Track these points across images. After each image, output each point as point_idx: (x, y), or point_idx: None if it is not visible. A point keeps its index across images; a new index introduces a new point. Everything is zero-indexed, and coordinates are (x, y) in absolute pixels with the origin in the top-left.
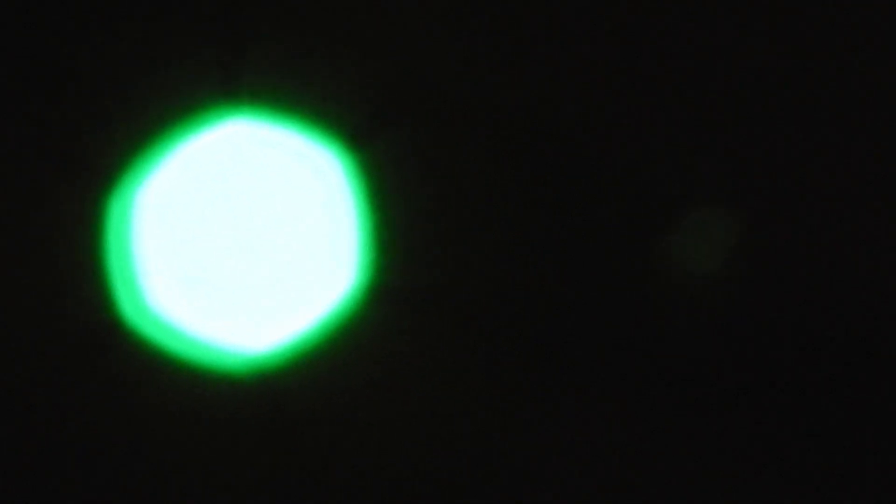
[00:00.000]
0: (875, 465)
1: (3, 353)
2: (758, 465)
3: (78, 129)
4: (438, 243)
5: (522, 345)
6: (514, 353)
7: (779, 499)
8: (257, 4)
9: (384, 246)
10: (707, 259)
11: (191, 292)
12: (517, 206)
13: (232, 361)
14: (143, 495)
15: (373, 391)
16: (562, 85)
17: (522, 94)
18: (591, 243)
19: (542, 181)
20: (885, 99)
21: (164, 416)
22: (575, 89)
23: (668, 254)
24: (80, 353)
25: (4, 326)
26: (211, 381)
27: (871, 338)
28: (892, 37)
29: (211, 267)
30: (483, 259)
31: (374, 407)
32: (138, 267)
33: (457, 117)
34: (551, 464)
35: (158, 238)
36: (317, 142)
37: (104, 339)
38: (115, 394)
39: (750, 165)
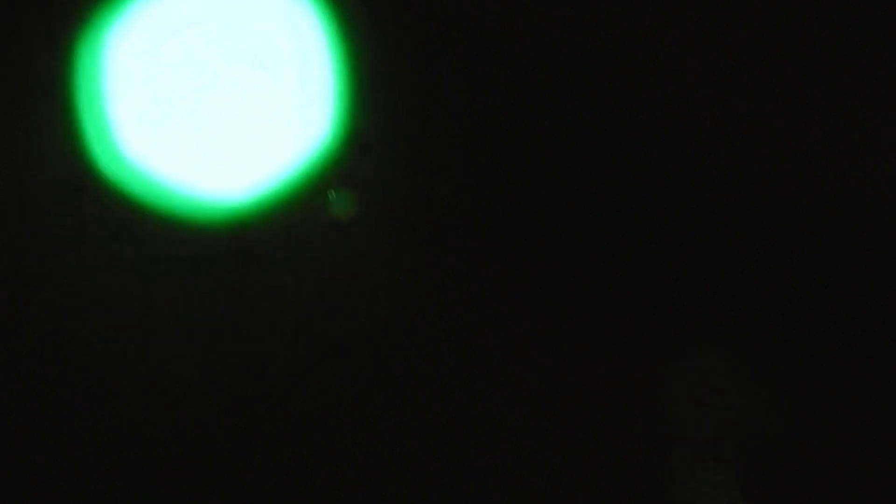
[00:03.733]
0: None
1: None
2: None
3: None
4: (414, 92)
5: (493, 199)
6: (481, 204)
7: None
8: None
9: (359, 94)
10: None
11: (164, 140)
12: (496, 55)
13: (205, 209)
14: (113, 341)
15: (343, 239)
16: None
17: None
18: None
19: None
20: None
21: (137, 264)
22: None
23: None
24: (55, 203)
25: None
26: (183, 228)
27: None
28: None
29: (184, 114)
30: (459, 110)
31: (343, 255)
32: (111, 115)
33: None
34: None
35: (131, 86)
36: None
37: (77, 188)
38: (90, 242)
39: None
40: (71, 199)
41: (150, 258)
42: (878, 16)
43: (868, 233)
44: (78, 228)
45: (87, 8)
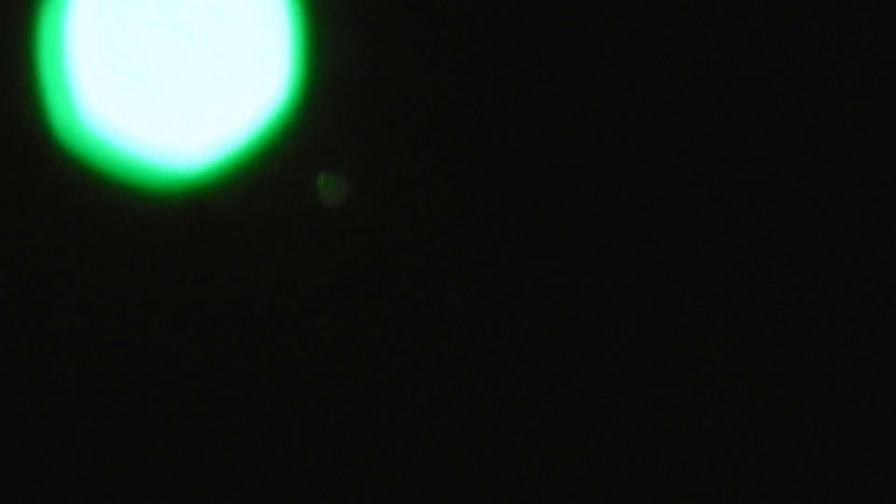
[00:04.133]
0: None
1: None
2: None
3: None
4: (370, 42)
5: (451, 141)
6: (443, 140)
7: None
8: None
9: (315, 52)
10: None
11: (122, 103)
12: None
13: (164, 174)
14: (72, 306)
15: (303, 198)
16: None
17: None
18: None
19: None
20: None
21: (95, 229)
22: None
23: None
24: (12, 166)
25: None
26: (142, 193)
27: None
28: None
29: (143, 76)
30: (415, 57)
31: (302, 214)
32: (69, 77)
33: None
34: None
35: (89, 47)
36: None
37: (36, 154)
38: (47, 207)
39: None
40: (30, 166)
41: (113, 224)
42: (879, 16)
43: (868, 233)
44: (38, 195)
45: None
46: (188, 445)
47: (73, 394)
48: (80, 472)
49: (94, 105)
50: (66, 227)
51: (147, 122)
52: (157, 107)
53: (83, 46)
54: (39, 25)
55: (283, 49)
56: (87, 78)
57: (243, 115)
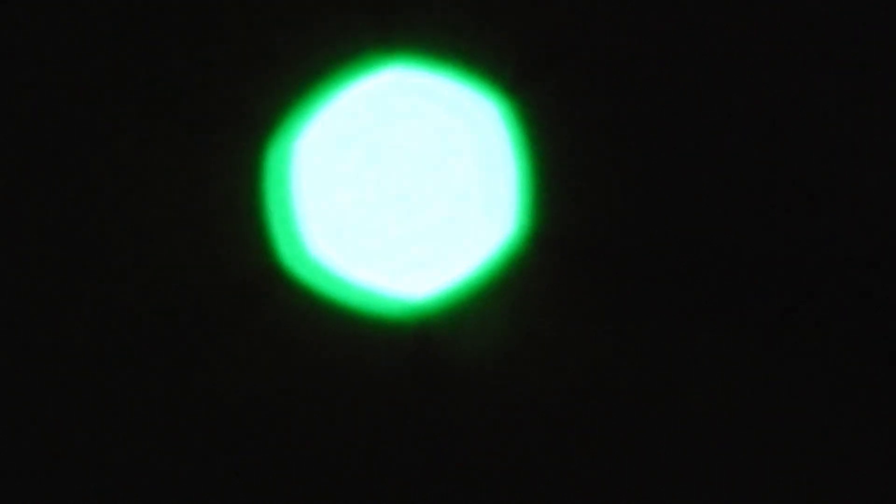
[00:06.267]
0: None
1: (164, 299)
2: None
3: (237, 77)
4: (595, 191)
5: (678, 294)
6: (669, 301)
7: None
8: None
9: (542, 193)
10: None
11: (349, 239)
12: (671, 155)
13: (390, 308)
14: (297, 441)
15: (531, 339)
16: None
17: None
18: (741, 199)
19: (691, 129)
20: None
21: (320, 363)
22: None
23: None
24: (240, 299)
25: (165, 272)
26: (368, 328)
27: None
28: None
29: (369, 214)
30: (638, 207)
31: (531, 355)
32: (297, 214)
33: (613, 64)
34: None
35: (317, 185)
36: (473, 89)
37: (263, 285)
38: (273, 340)
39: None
40: (257, 297)
41: (332, 354)
42: (879, 16)
43: (868, 234)
44: (263, 325)
45: (273, 112)
46: None
47: None
48: None
49: (320, 236)
50: (293, 359)
51: (374, 254)
52: (384, 238)
53: (309, 178)
54: (266, 160)
55: (509, 189)
56: (313, 209)
57: (470, 252)
